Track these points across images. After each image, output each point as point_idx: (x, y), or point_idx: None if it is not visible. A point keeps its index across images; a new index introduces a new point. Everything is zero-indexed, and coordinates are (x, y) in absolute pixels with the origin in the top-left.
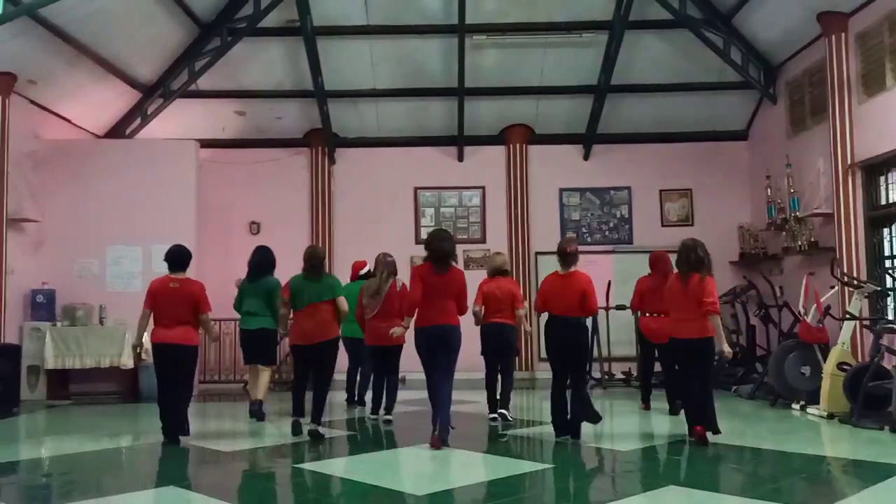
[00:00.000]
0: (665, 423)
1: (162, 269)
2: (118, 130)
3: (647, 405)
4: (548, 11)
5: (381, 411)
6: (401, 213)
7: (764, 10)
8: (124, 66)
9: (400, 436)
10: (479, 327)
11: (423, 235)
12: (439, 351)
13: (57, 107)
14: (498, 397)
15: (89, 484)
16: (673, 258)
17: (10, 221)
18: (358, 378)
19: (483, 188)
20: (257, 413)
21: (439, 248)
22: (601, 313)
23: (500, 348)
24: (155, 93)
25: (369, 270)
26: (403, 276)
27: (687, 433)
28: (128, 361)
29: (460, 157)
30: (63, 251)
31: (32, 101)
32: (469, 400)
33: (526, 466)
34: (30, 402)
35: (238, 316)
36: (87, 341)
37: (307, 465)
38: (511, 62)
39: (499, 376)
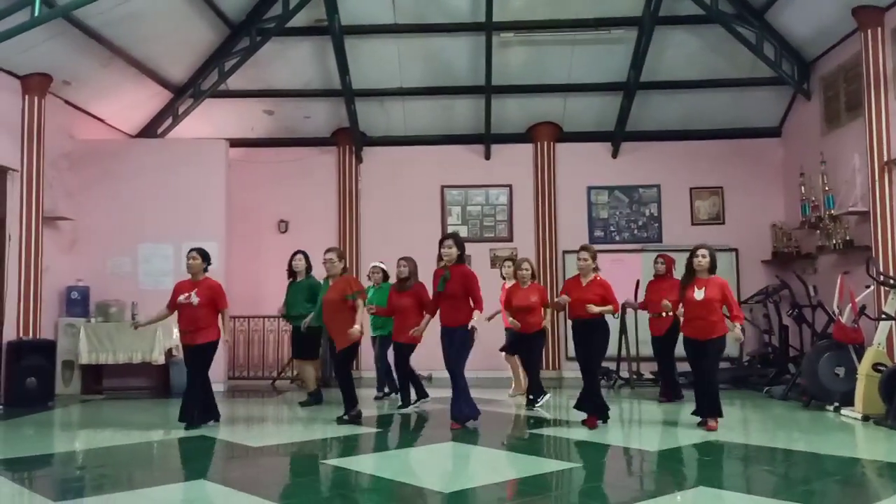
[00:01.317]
0: (694, 423)
1: None
2: (150, 130)
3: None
4: (576, 8)
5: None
6: (427, 211)
7: (798, 5)
8: (156, 67)
9: (427, 433)
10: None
11: None
12: None
13: (91, 107)
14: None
15: (122, 477)
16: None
17: (45, 219)
18: (386, 370)
19: (510, 186)
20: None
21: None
22: (630, 313)
23: None
24: (186, 93)
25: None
26: (427, 276)
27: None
28: (159, 357)
29: (487, 156)
30: (97, 249)
31: (67, 102)
32: (494, 399)
33: (553, 465)
34: (64, 396)
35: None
36: (119, 337)
37: (335, 461)
38: (539, 60)
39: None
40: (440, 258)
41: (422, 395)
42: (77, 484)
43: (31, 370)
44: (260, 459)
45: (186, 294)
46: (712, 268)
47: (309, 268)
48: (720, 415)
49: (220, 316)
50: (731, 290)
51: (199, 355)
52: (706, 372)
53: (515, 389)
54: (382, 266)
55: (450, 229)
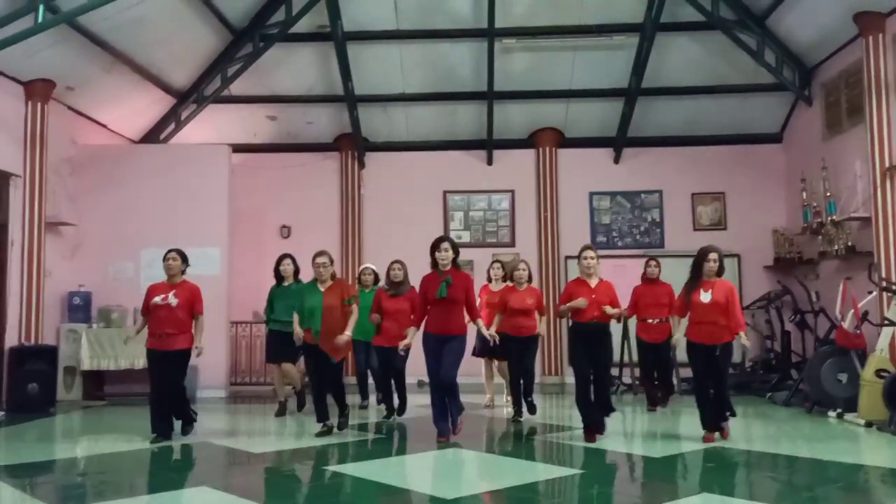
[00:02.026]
0: (697, 429)
1: (195, 271)
2: (153, 136)
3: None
4: (578, 14)
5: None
6: (430, 216)
7: (799, 11)
8: (159, 73)
9: (428, 439)
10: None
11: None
12: None
13: (94, 113)
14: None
15: (123, 483)
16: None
17: (48, 225)
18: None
19: (512, 192)
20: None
21: None
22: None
23: None
24: (188, 98)
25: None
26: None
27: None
28: None
29: (489, 161)
30: (99, 254)
31: (70, 108)
32: (496, 404)
33: (555, 471)
34: (66, 402)
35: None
36: (121, 343)
37: (336, 468)
38: (541, 65)
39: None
40: (434, 262)
41: (402, 409)
42: (79, 490)
43: (32, 376)
44: (261, 466)
45: (163, 295)
46: (720, 271)
47: (297, 271)
48: (733, 413)
49: (194, 321)
50: (736, 295)
51: (178, 361)
52: (717, 379)
53: (492, 399)
54: (374, 268)
55: (452, 235)
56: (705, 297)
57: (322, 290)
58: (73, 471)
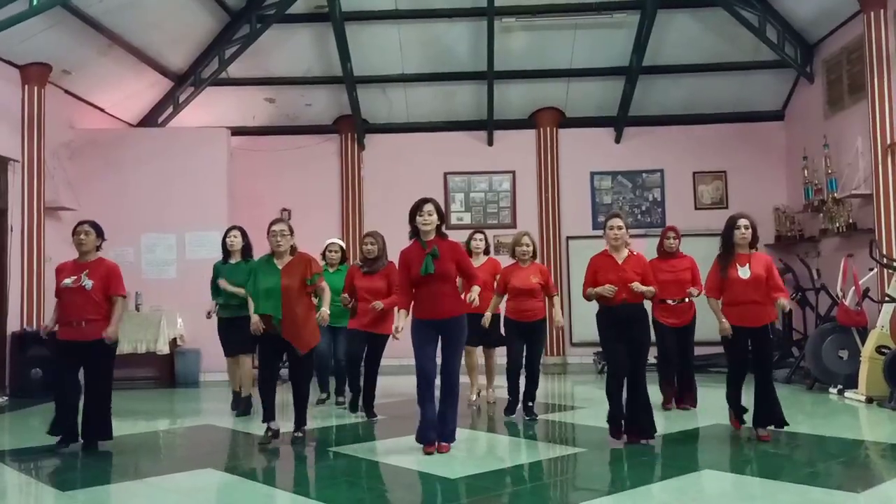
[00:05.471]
0: (699, 409)
1: (195, 255)
2: (150, 119)
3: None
4: None
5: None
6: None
7: None
8: (156, 56)
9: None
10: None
11: (453, 221)
12: None
13: (91, 96)
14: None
15: (128, 466)
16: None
17: (47, 210)
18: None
19: (513, 173)
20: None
21: None
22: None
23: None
24: (186, 81)
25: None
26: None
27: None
28: (163, 347)
29: (490, 142)
30: None
31: (67, 91)
32: (500, 385)
33: (559, 451)
34: None
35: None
36: (123, 328)
37: (342, 449)
38: (541, 44)
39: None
40: (416, 231)
41: (370, 406)
42: (83, 474)
43: (35, 361)
44: (267, 448)
45: (75, 276)
46: (753, 241)
47: (247, 247)
48: (786, 423)
49: (113, 305)
50: (776, 268)
51: (103, 353)
52: (765, 366)
53: (478, 390)
54: (341, 244)
55: (453, 216)
56: (743, 272)
57: (280, 266)
58: (78, 454)
